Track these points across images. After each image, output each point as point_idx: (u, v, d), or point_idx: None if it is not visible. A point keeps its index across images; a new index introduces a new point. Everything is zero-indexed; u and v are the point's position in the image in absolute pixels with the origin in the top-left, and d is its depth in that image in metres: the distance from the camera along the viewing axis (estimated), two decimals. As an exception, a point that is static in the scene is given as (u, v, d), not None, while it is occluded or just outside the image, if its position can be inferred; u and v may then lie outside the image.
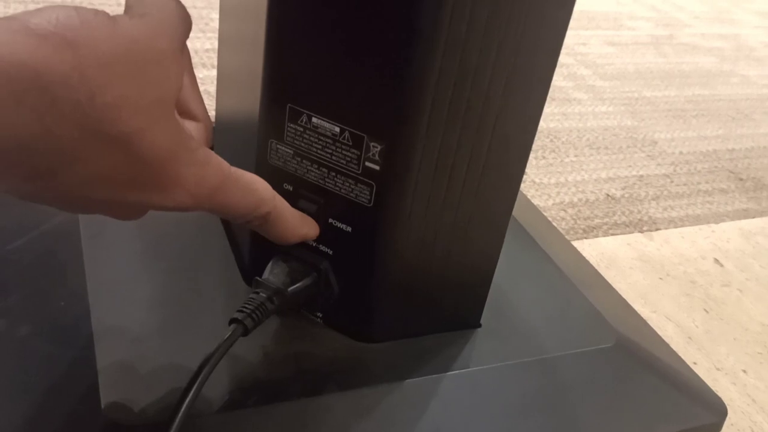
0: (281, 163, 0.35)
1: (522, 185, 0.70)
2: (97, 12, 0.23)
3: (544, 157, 0.74)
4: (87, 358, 0.34)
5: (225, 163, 0.28)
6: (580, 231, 0.64)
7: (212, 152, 0.27)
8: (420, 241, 0.35)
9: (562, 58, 1.06)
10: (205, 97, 0.34)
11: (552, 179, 0.72)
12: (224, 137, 0.44)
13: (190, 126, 0.31)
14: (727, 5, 1.56)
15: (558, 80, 0.99)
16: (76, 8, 0.22)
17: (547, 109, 0.89)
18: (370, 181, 0.33)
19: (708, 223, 0.70)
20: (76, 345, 0.35)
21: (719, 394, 0.43)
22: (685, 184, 0.78)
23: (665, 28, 1.31)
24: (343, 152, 0.33)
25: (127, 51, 0.23)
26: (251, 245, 0.39)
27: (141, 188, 0.25)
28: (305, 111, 0.33)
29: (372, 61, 0.30)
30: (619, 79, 1.03)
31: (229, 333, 0.32)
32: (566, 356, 0.40)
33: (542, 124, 0.83)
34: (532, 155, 0.75)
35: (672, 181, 0.77)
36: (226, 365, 0.34)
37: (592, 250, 0.62)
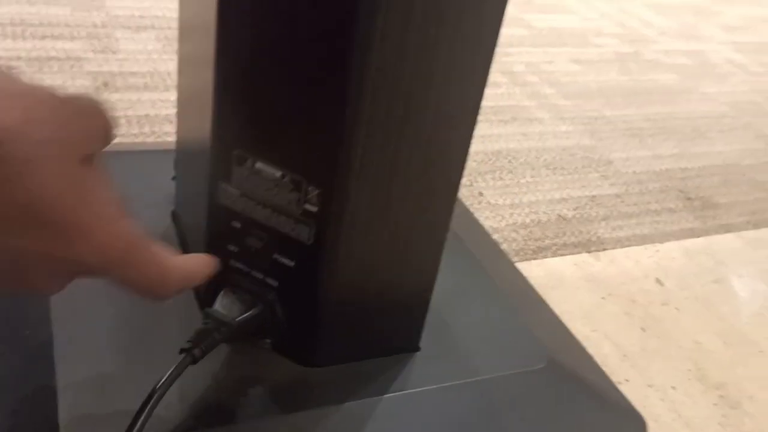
0: (230, 202, 0.38)
1: (477, 206, 0.73)
2: None
3: (501, 179, 0.77)
4: (48, 383, 0.36)
5: (140, 230, 0.28)
6: (530, 252, 0.68)
7: (130, 218, 0.27)
8: (357, 273, 0.38)
9: (528, 77, 1.10)
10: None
11: (507, 200, 0.75)
12: (184, 163, 0.47)
13: None
14: (694, 21, 1.60)
15: (522, 99, 1.02)
16: None
17: (509, 128, 0.92)
18: (310, 221, 0.36)
19: (653, 242, 0.74)
20: (37, 368, 0.38)
21: (648, 410, 0.46)
22: (635, 204, 0.81)
23: (631, 44, 1.35)
24: (285, 195, 0.36)
25: (21, 90, 0.23)
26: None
27: (41, 230, 0.24)
28: (250, 156, 0.36)
29: (307, 113, 0.34)
30: (581, 97, 1.07)
31: (178, 362, 0.35)
32: (500, 378, 0.44)
33: (502, 144, 0.86)
34: (489, 176, 0.78)
35: (623, 201, 0.81)
36: (177, 391, 0.37)
37: (540, 270, 0.65)
